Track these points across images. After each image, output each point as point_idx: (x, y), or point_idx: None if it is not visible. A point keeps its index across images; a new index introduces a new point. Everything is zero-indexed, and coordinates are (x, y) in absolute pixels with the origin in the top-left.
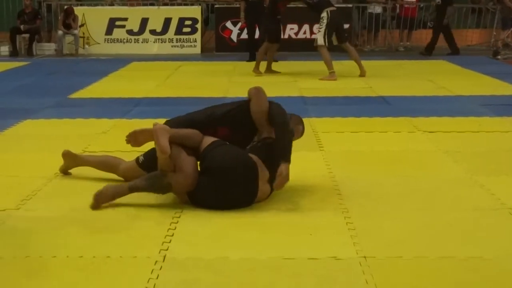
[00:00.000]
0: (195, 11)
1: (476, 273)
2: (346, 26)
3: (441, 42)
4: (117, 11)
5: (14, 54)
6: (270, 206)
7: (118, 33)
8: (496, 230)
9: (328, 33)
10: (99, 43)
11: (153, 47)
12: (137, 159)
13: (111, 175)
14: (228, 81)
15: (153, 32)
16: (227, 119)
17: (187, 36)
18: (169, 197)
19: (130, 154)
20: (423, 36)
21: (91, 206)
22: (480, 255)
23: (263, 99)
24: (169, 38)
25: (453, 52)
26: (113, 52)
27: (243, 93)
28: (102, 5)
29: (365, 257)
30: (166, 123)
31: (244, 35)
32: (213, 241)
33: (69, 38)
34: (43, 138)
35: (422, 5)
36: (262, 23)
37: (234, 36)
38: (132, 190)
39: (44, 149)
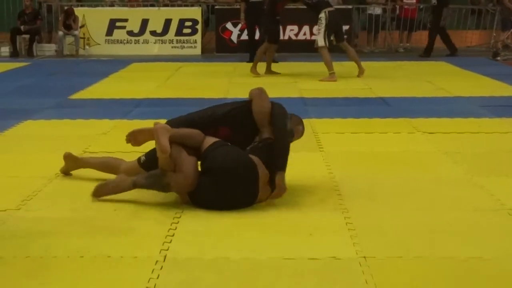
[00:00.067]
0: (195, 12)
1: (476, 273)
2: (346, 27)
3: (440, 43)
4: (118, 12)
5: (14, 54)
6: (271, 206)
7: (118, 34)
8: (495, 230)
9: (328, 34)
10: (99, 44)
11: (154, 48)
12: (139, 159)
13: (111, 176)
14: (228, 82)
15: (153, 33)
16: (228, 119)
17: (187, 37)
18: (169, 197)
19: (131, 155)
20: (423, 37)
21: (93, 194)
22: (480, 255)
23: (265, 100)
24: (169, 39)
25: (452, 52)
26: (113, 53)
27: (243, 94)
28: (102, 6)
29: (365, 257)
30: (167, 123)
31: (245, 36)
32: (213, 241)
33: (69, 39)
34: (44, 139)
35: (422, 7)
36: (261, 23)
37: (234, 37)
38: (135, 186)
39: (45, 149)
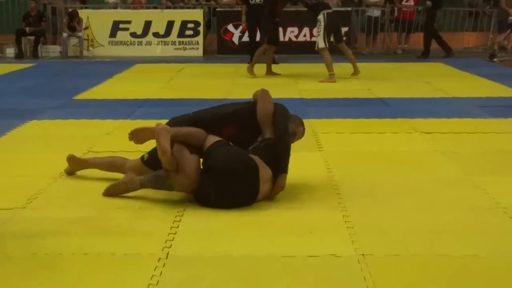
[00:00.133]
0: (197, 14)
1: (471, 270)
2: (345, 29)
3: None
4: (121, 14)
5: (19, 56)
6: (271, 205)
7: (122, 35)
8: (491, 228)
9: (327, 36)
10: (103, 46)
11: (156, 50)
12: (142, 157)
13: (116, 175)
14: (230, 83)
15: (156, 34)
16: (233, 119)
17: (189, 39)
18: (171, 195)
19: (134, 154)
20: (421, 39)
21: (104, 193)
22: (476, 253)
23: (268, 101)
24: (172, 41)
25: (447, 53)
26: (117, 54)
27: (245, 95)
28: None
29: (363, 254)
30: (172, 120)
31: (246, 38)
32: (215, 239)
33: (73, 41)
34: (49, 139)
35: (419, 9)
36: (261, 25)
37: (235, 39)
38: (142, 186)
39: (49, 149)
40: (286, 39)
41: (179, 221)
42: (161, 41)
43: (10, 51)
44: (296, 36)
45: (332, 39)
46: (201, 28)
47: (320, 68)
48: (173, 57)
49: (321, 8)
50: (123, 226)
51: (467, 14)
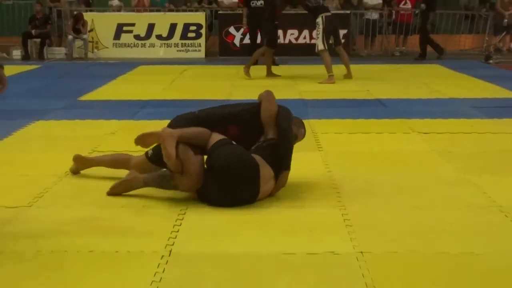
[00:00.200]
0: (199, 17)
1: (468, 267)
2: (344, 31)
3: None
4: (125, 16)
5: (26, 58)
6: (272, 203)
7: (125, 38)
8: (486, 226)
9: (326, 38)
10: (107, 48)
11: (159, 52)
12: (146, 153)
13: (120, 173)
14: (231, 84)
15: (159, 37)
16: (239, 119)
17: (192, 41)
18: (174, 194)
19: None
20: (418, 41)
21: (108, 192)
22: (472, 250)
23: (272, 102)
24: (174, 43)
25: (439, 53)
26: (121, 56)
27: (246, 96)
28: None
29: (361, 252)
30: (178, 117)
31: (247, 40)
32: (217, 237)
33: (78, 43)
34: (54, 139)
35: (417, 12)
36: (261, 27)
37: (237, 41)
38: (146, 184)
39: (55, 149)
40: (286, 41)
41: (182, 219)
42: (164, 43)
43: (17, 53)
44: (296, 39)
45: (331, 41)
46: (203, 31)
47: (319, 69)
48: (176, 59)
49: (321, 11)
50: (127, 225)
51: (463, 17)
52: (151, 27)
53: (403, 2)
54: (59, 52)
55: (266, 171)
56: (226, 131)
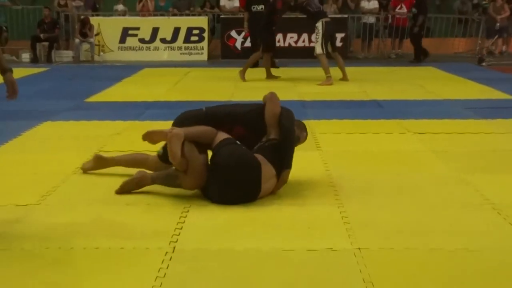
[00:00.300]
0: (202, 21)
1: (462, 263)
2: (342, 35)
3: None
4: (130, 21)
5: (34, 60)
6: (272, 201)
7: (131, 41)
8: (480, 224)
9: (325, 42)
10: (113, 51)
11: (163, 55)
12: (158, 152)
13: (125, 171)
14: (233, 86)
15: (163, 40)
16: (243, 120)
17: (194, 44)
18: (178, 193)
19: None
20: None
21: (117, 191)
22: (466, 247)
23: (275, 103)
24: (178, 46)
25: (425, 56)
26: (126, 59)
27: (247, 97)
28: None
29: (359, 248)
30: (185, 114)
31: (248, 43)
32: (219, 233)
33: (85, 46)
34: (62, 139)
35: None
36: (258, 33)
37: (238, 44)
38: (153, 182)
39: (63, 148)
40: (286, 44)
41: (185, 217)
42: (168, 47)
43: (26, 56)
44: (296, 42)
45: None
46: (205, 34)
47: (318, 72)
48: (179, 62)
49: (320, 16)
50: (132, 222)
51: (457, 21)
52: (155, 31)
53: (398, 7)
54: (67, 55)
55: (267, 170)
56: (231, 131)
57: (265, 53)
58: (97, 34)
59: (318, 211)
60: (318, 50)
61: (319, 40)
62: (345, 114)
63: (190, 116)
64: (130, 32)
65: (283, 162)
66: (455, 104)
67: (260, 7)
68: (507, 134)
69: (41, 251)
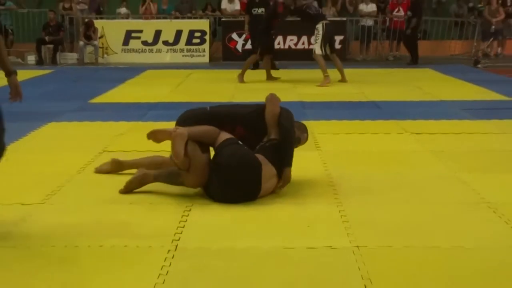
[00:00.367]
0: (203, 24)
1: (459, 261)
2: (340, 37)
3: (426, 52)
4: (133, 24)
5: (39, 63)
6: (272, 200)
7: (134, 43)
8: (476, 222)
9: (324, 43)
10: (116, 53)
11: (166, 57)
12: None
13: (129, 171)
14: (234, 87)
15: (165, 43)
16: (245, 121)
17: (196, 47)
18: (180, 191)
19: (145, 154)
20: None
21: (121, 191)
22: (462, 244)
23: (275, 104)
24: (180, 48)
25: (414, 61)
26: (129, 61)
27: (247, 98)
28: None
29: (358, 246)
30: (189, 113)
31: (248, 46)
32: (220, 232)
33: (89, 48)
34: (66, 139)
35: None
36: (257, 36)
37: (239, 47)
38: (156, 180)
39: (67, 149)
40: (286, 46)
41: (187, 215)
42: (170, 49)
43: (31, 59)
44: (295, 44)
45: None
46: (207, 37)
47: (317, 73)
48: (182, 64)
49: (320, 18)
50: (135, 221)
51: (453, 24)
52: (158, 33)
53: (396, 10)
54: (71, 57)
55: (268, 170)
56: (234, 131)
57: (262, 55)
58: (101, 37)
59: (317, 210)
60: (318, 50)
61: (319, 41)
62: (344, 115)
63: (193, 115)
64: (133, 34)
65: (283, 161)
66: (451, 105)
67: (261, 10)
68: (502, 134)
69: (46, 249)
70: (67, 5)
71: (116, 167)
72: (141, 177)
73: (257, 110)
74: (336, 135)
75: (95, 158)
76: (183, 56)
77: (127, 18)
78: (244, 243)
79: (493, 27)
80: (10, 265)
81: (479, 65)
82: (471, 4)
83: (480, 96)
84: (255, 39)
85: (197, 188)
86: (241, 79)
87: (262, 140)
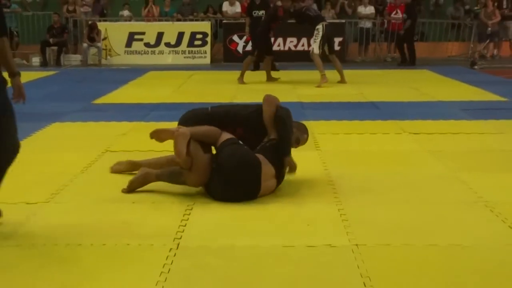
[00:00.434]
0: (205, 26)
1: (457, 259)
2: (339, 39)
3: (424, 53)
4: (136, 26)
5: (44, 64)
6: (272, 199)
7: (136, 45)
8: (474, 220)
9: (322, 43)
10: (119, 55)
11: (168, 58)
12: None
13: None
14: (235, 88)
15: (167, 44)
16: (245, 122)
17: (198, 48)
18: (182, 191)
19: (147, 154)
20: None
21: (124, 190)
22: (460, 243)
23: (271, 104)
24: (182, 50)
25: (403, 62)
26: (132, 63)
27: (248, 99)
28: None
29: (357, 244)
30: (191, 113)
31: (249, 47)
32: (221, 231)
33: (93, 50)
34: (70, 139)
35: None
36: (255, 38)
37: (240, 48)
38: (158, 179)
39: (71, 148)
40: (286, 48)
41: (189, 214)
42: (172, 51)
43: (36, 60)
44: (295, 46)
45: (325, 48)
46: (208, 39)
47: (316, 75)
48: (183, 65)
49: (320, 19)
50: (138, 220)
51: (450, 26)
52: (160, 35)
53: (394, 12)
54: (75, 59)
55: (267, 169)
56: (235, 131)
57: (259, 57)
58: (104, 39)
59: (317, 209)
60: (316, 50)
61: (318, 41)
62: (343, 115)
63: (194, 115)
64: (136, 36)
65: (281, 151)
66: (448, 106)
67: (261, 13)
68: (499, 134)
69: (50, 247)
70: (71, 8)
71: (131, 167)
72: (143, 176)
73: (257, 110)
74: (336, 135)
75: (98, 157)
76: (185, 57)
77: (130, 20)
78: (245, 241)
79: (489, 29)
80: (14, 264)
81: (476, 67)
82: (467, 7)
83: (477, 97)
84: (255, 40)
85: (199, 187)
86: (241, 80)
87: (263, 140)
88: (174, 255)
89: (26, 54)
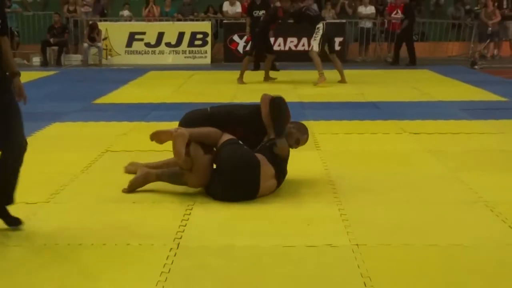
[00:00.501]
0: (205, 26)
1: (457, 258)
2: (340, 39)
3: (424, 53)
4: (136, 26)
5: (44, 64)
6: (272, 199)
7: (137, 45)
8: (474, 220)
9: (322, 42)
10: (120, 55)
11: (168, 58)
12: None
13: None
14: (235, 88)
15: (168, 44)
16: (244, 122)
17: (198, 48)
18: (182, 191)
19: (148, 154)
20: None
21: (125, 190)
22: (460, 242)
23: (266, 103)
24: (182, 50)
25: (395, 62)
26: (132, 63)
27: (248, 98)
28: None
29: (357, 244)
30: (191, 115)
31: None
32: (221, 231)
33: (93, 50)
34: (70, 139)
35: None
36: (253, 38)
37: (240, 48)
38: (158, 179)
39: (71, 148)
40: (287, 48)
41: (189, 214)
42: (173, 51)
43: (36, 60)
44: (296, 46)
45: (326, 48)
46: (209, 39)
47: (316, 75)
48: (184, 65)
49: (321, 19)
50: (138, 219)
51: (450, 26)
52: (160, 35)
53: (394, 12)
54: (76, 59)
55: (267, 169)
56: (235, 131)
57: (258, 57)
58: (105, 39)
59: (317, 209)
60: (315, 47)
61: (318, 39)
62: (343, 115)
63: (195, 116)
64: (137, 36)
65: (275, 133)
66: (449, 106)
67: (262, 12)
68: (499, 134)
69: (50, 247)
70: (71, 8)
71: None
72: (143, 176)
73: (257, 110)
74: (336, 135)
75: (99, 157)
76: (185, 57)
77: (130, 20)
78: (245, 241)
79: (490, 29)
80: (14, 264)
81: (476, 66)
82: (468, 7)
83: (477, 97)
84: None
85: (199, 188)
86: (240, 81)
87: (263, 140)
88: (175, 255)
89: (26, 54)
